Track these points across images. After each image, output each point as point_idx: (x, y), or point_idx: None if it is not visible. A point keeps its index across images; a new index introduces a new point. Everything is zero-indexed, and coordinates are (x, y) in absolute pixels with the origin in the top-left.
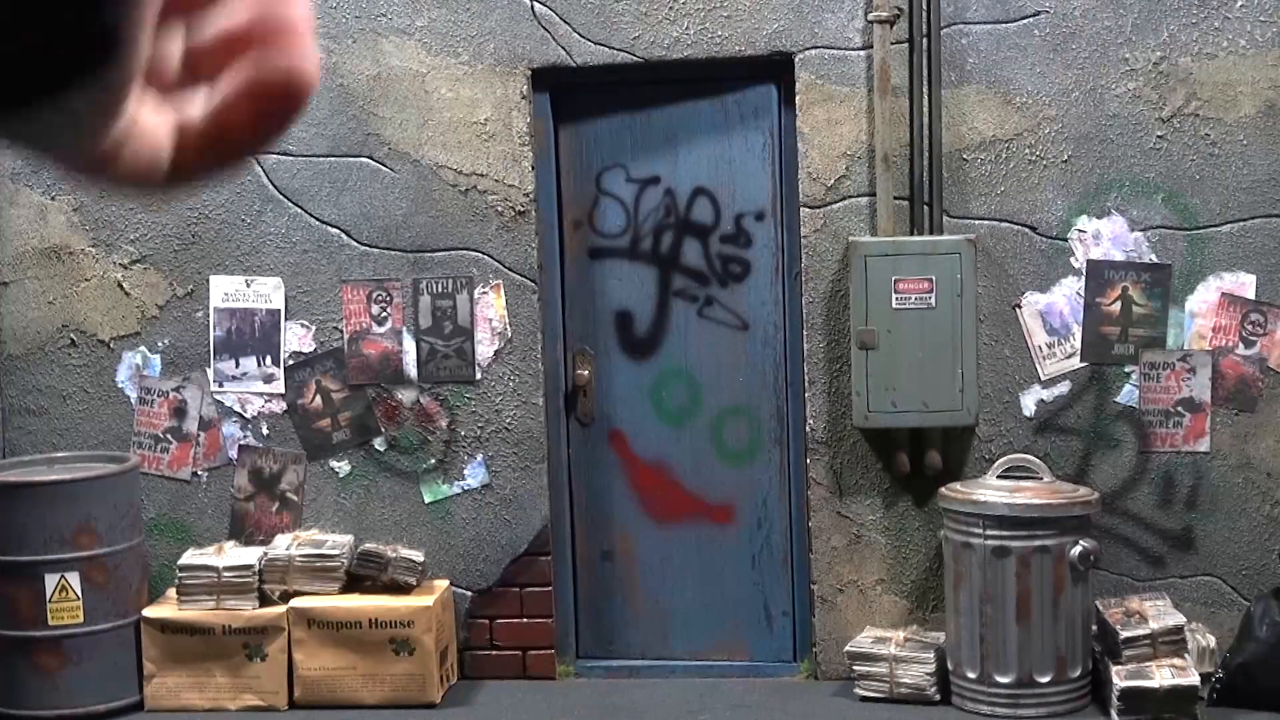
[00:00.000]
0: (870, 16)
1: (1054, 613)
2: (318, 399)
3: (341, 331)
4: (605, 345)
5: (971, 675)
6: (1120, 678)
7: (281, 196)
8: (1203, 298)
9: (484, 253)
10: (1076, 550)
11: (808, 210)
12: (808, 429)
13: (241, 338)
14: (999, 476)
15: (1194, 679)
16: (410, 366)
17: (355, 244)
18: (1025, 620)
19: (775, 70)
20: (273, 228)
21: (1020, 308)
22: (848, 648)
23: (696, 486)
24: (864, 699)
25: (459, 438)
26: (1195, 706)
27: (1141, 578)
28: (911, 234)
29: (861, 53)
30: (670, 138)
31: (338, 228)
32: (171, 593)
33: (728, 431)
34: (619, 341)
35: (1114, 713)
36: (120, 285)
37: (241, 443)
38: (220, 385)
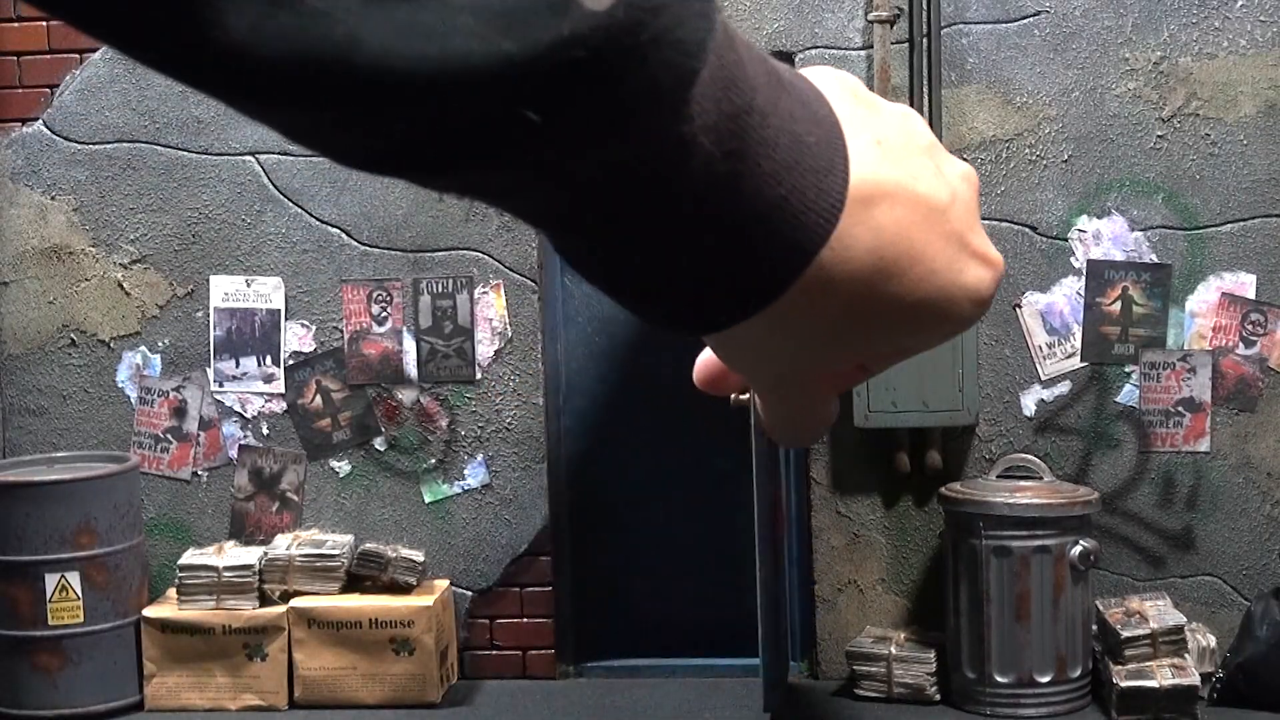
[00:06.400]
0: (870, 16)
1: (1054, 613)
2: (318, 399)
3: (341, 331)
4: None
5: (971, 675)
6: (1120, 678)
7: (281, 196)
8: (1203, 298)
9: (484, 253)
10: (1076, 550)
11: None
12: None
13: (241, 338)
14: (999, 476)
15: (1194, 679)
16: (410, 366)
17: (355, 244)
18: (1025, 620)
19: None
20: (273, 228)
21: (1020, 308)
22: (848, 648)
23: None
24: (864, 699)
25: (459, 438)
26: (1195, 706)
27: (1141, 578)
28: None
29: (861, 53)
30: None
31: (338, 227)
32: (171, 593)
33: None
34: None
35: (1114, 712)
36: (120, 285)
37: (241, 442)
38: (220, 385)
